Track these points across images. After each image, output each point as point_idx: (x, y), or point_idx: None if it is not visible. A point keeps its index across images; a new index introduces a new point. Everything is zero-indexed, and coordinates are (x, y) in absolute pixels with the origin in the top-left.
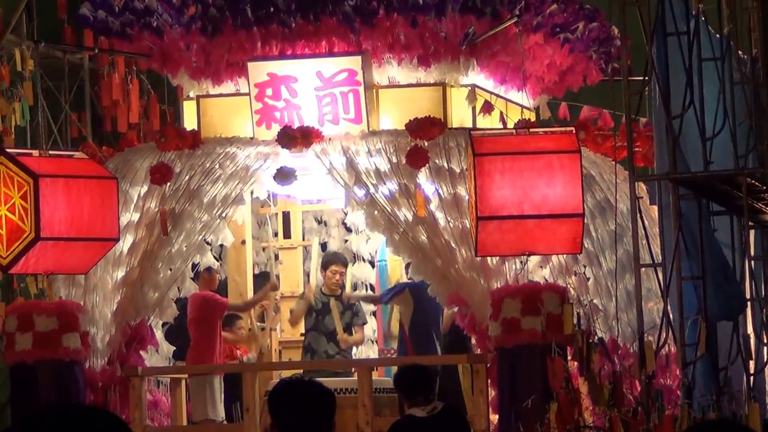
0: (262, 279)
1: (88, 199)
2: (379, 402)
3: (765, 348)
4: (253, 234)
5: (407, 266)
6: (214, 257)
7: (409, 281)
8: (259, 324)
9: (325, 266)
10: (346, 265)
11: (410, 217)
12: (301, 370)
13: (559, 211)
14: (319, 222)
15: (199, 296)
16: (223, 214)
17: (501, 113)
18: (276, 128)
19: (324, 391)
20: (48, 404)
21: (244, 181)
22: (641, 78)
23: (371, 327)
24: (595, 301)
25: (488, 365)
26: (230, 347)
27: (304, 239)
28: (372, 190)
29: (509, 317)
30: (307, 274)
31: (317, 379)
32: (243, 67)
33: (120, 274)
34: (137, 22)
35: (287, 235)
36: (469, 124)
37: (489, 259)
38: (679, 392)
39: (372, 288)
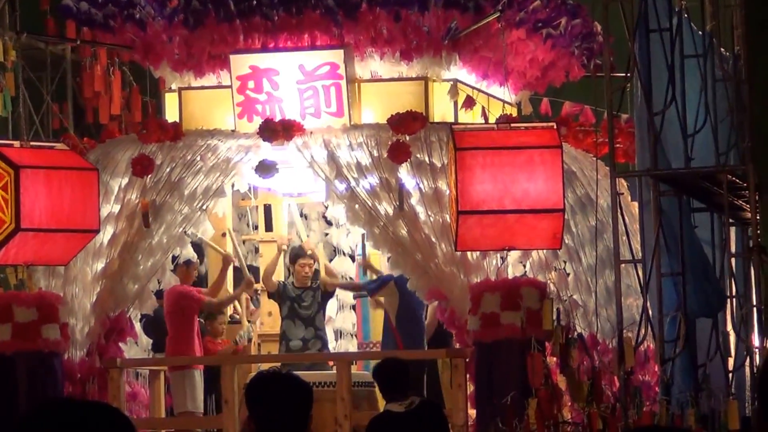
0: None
1: (69, 191)
2: (358, 396)
3: (744, 345)
4: (234, 227)
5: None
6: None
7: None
8: (236, 316)
9: (293, 260)
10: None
11: (391, 211)
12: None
13: (539, 207)
14: (300, 215)
15: (176, 290)
16: (204, 207)
17: (483, 108)
18: (258, 121)
19: (300, 385)
20: (54, 399)
21: (225, 173)
22: (623, 74)
23: (350, 321)
24: (574, 296)
25: (467, 360)
26: (210, 340)
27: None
28: (353, 183)
29: (488, 312)
30: (287, 267)
31: (295, 372)
32: (225, 59)
33: (100, 265)
34: (120, 14)
35: (268, 228)
36: (451, 119)
37: (469, 253)
38: (657, 389)
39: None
